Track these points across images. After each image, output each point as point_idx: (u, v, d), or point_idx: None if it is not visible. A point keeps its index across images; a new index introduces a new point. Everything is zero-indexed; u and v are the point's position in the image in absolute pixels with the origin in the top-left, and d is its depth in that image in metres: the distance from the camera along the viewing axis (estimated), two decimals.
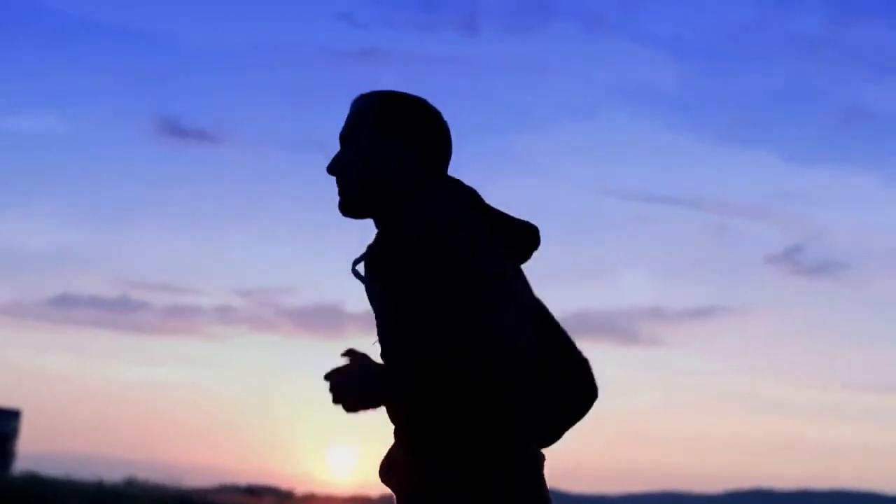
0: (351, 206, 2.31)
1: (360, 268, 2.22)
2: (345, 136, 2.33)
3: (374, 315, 2.21)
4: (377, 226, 2.31)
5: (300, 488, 26.21)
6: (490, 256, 2.14)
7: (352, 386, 2.06)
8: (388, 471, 2.23)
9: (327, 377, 2.07)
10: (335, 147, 2.35)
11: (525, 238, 2.29)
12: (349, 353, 2.09)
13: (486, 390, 2.01)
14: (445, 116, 2.36)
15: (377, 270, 2.15)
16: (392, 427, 2.22)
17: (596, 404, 2.33)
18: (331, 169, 2.33)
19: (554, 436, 2.31)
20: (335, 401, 2.06)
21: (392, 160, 2.28)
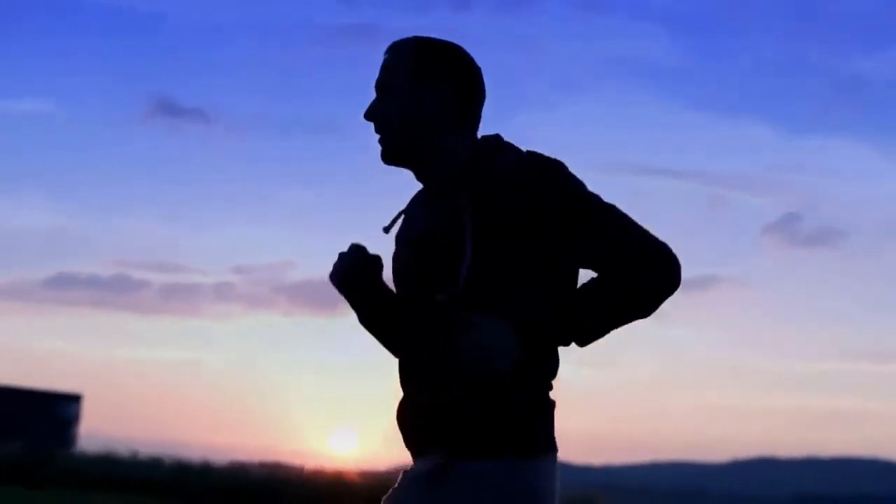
0: (393, 155, 2.38)
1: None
2: (380, 85, 2.40)
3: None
4: (418, 175, 2.40)
5: (308, 464, 25.65)
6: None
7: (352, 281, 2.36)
8: (405, 413, 2.33)
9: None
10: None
11: None
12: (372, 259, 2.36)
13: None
14: None
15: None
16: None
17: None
18: (368, 115, 2.39)
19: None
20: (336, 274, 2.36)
21: (430, 109, 2.35)
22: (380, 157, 2.39)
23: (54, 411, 33.09)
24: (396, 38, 2.39)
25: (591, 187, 2.26)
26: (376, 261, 2.37)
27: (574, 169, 2.25)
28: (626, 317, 2.24)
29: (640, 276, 2.21)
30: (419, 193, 2.45)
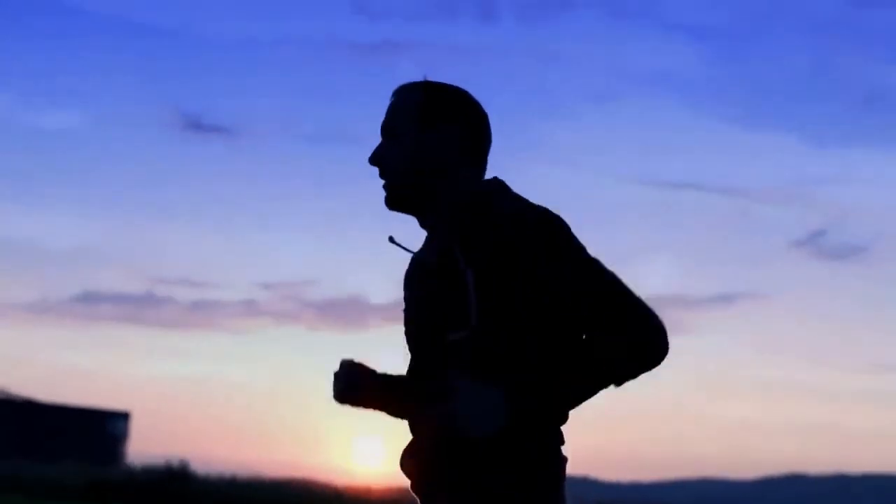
0: (398, 201, 2.34)
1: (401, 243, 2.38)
2: (386, 129, 2.35)
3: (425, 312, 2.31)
4: (422, 222, 2.36)
5: (337, 482, 26.59)
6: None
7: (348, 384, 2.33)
8: (411, 461, 2.31)
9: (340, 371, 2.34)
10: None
11: None
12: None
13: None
14: None
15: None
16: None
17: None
18: (373, 160, 2.34)
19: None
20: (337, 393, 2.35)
21: (436, 154, 2.30)
22: (384, 203, 2.35)
23: (104, 429, 32.93)
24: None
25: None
26: (367, 374, 2.36)
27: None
28: (599, 388, 2.17)
29: (619, 352, 2.14)
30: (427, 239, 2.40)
